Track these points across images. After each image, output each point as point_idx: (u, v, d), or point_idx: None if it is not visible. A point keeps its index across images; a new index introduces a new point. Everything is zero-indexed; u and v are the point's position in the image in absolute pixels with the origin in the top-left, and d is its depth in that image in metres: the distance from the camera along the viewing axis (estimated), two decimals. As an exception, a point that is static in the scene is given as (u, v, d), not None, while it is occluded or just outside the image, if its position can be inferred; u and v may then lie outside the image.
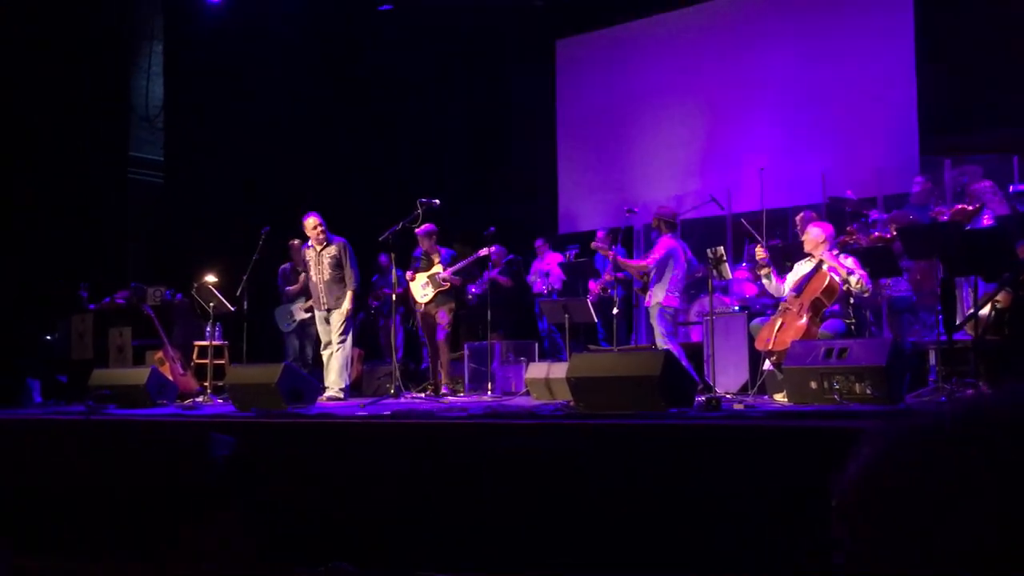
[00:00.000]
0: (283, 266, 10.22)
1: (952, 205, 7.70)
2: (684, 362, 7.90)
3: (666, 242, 8.24)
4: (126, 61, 11.96)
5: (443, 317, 8.97)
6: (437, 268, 8.96)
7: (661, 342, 8.09)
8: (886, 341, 6.15)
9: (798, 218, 8.30)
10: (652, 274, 8.19)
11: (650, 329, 8.73)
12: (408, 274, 8.98)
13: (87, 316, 10.20)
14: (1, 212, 10.45)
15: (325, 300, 8.57)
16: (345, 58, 12.90)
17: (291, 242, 9.84)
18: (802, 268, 7.05)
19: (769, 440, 4.40)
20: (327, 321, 8.60)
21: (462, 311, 10.20)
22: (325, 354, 8.62)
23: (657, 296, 8.15)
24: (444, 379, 9.01)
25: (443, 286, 8.92)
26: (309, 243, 8.71)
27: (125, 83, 11.94)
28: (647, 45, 11.89)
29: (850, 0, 10.54)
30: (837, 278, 6.70)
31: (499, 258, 10.38)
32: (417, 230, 8.71)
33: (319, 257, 8.60)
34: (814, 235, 7.02)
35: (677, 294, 8.26)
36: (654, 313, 8.18)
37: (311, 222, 8.59)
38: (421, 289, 9.02)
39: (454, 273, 8.95)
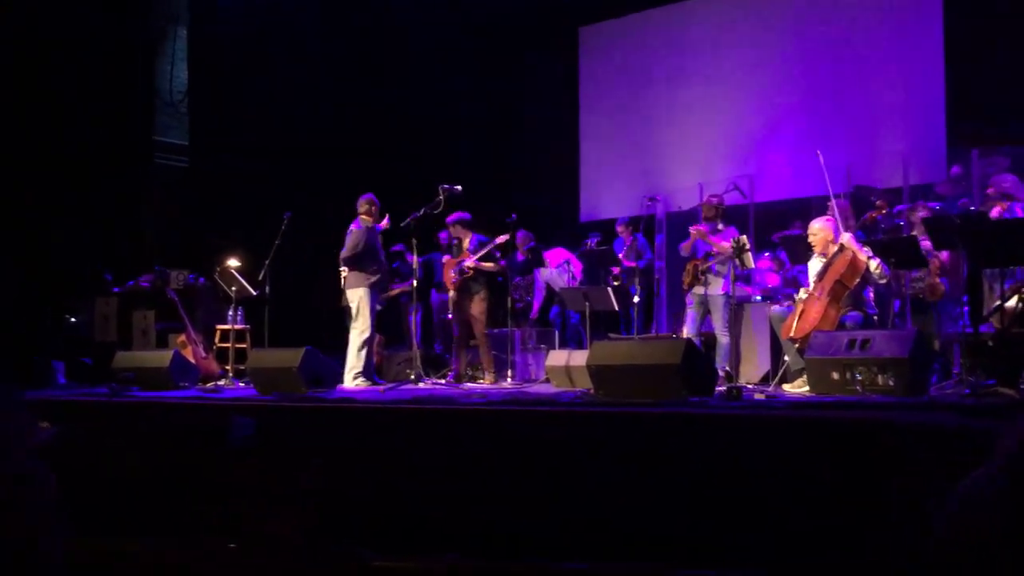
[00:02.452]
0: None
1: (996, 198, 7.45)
2: (725, 352, 7.84)
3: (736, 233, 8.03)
4: (150, 46, 12.00)
5: (474, 305, 8.85)
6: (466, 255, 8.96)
7: (698, 331, 8.01)
8: (910, 333, 6.08)
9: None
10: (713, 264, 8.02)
11: (671, 318, 8.66)
12: (445, 258, 9.01)
13: (111, 299, 10.27)
14: (27, 196, 10.53)
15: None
16: (367, 44, 12.87)
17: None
18: (813, 267, 6.97)
19: (790, 430, 4.38)
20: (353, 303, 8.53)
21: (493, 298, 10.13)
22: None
23: (723, 285, 7.97)
24: (487, 365, 8.83)
25: (467, 273, 8.91)
26: (359, 222, 8.44)
27: (150, 67, 11.98)
28: (670, 33, 11.80)
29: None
30: (862, 257, 6.58)
31: (524, 243, 10.37)
32: (448, 219, 8.74)
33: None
34: (819, 231, 6.90)
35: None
36: (719, 302, 7.97)
37: (371, 200, 8.43)
38: (451, 275, 9.01)
39: (477, 259, 8.93)
